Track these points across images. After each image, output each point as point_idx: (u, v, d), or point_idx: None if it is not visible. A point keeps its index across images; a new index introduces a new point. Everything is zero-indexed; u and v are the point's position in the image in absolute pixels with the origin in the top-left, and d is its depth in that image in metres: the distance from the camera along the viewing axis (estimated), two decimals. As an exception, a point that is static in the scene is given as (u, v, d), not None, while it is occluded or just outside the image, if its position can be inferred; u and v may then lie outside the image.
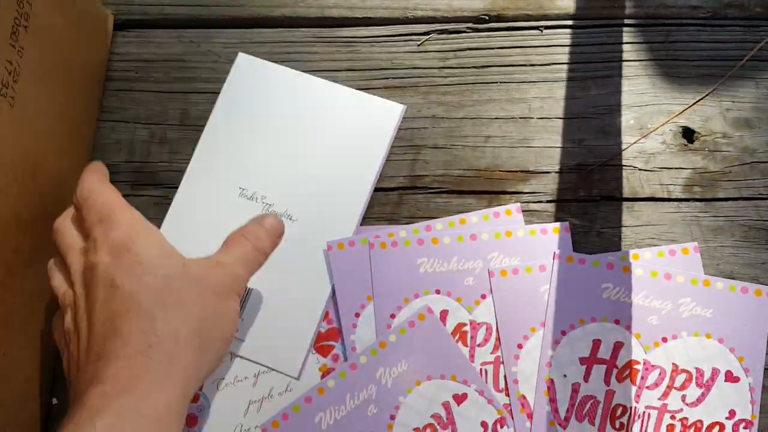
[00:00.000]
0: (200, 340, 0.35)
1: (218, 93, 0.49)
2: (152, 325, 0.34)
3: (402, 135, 0.48)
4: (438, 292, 0.45)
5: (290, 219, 0.46)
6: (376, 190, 0.47)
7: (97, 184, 0.39)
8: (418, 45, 0.50)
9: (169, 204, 0.48)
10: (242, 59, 0.50)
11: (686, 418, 0.42)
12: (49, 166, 0.43)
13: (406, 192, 0.48)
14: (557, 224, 0.46)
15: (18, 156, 0.40)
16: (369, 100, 0.48)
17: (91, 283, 0.36)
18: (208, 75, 0.50)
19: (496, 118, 0.48)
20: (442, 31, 0.50)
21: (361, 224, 0.47)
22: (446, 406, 0.44)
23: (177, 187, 0.48)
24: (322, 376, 0.45)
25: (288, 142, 0.48)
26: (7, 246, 0.40)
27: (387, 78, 0.50)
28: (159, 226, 0.47)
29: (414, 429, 0.43)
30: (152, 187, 0.49)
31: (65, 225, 0.40)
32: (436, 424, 0.44)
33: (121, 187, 0.48)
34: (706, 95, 0.46)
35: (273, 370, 0.45)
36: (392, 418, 0.44)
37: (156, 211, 0.48)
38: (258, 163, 0.48)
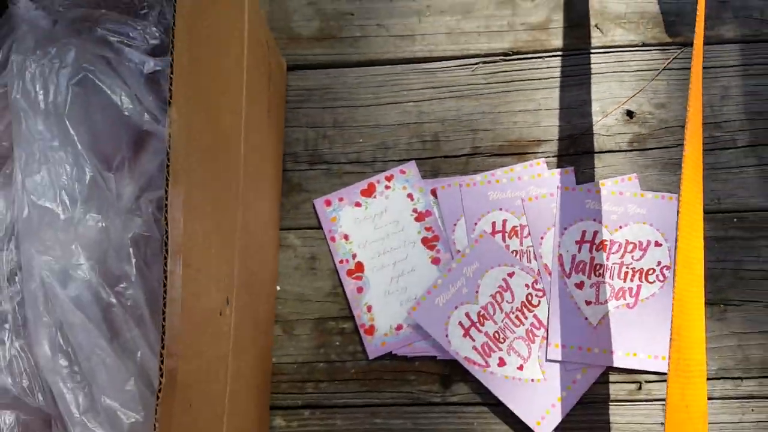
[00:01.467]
0: None
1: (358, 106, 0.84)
2: None
3: (467, 125, 0.84)
4: (500, 209, 0.81)
5: None
6: (451, 156, 0.83)
7: None
8: (472, 71, 0.85)
9: (334, 172, 0.83)
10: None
11: (634, 267, 0.77)
12: (276, 156, 0.79)
13: (470, 157, 0.83)
14: (567, 168, 0.81)
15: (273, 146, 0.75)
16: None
17: None
18: (347, 96, 0.85)
19: (519, 111, 0.83)
20: (486, 62, 0.85)
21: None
22: (504, 280, 0.79)
23: (337, 163, 0.84)
24: (432, 262, 0.81)
25: None
26: (266, 195, 0.76)
27: (453, 92, 0.85)
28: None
29: (490, 295, 0.79)
30: (321, 164, 0.84)
31: None
32: (501, 290, 0.79)
33: (303, 165, 0.83)
34: (639, 91, 0.81)
35: None
36: (477, 292, 0.79)
37: (325, 178, 0.83)
38: None
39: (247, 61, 0.60)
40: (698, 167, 0.66)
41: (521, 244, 0.78)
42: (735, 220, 0.75)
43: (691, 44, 0.79)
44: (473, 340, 0.76)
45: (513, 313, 0.76)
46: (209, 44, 0.50)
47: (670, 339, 0.57)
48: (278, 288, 0.80)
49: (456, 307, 0.77)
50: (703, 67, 0.80)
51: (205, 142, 0.47)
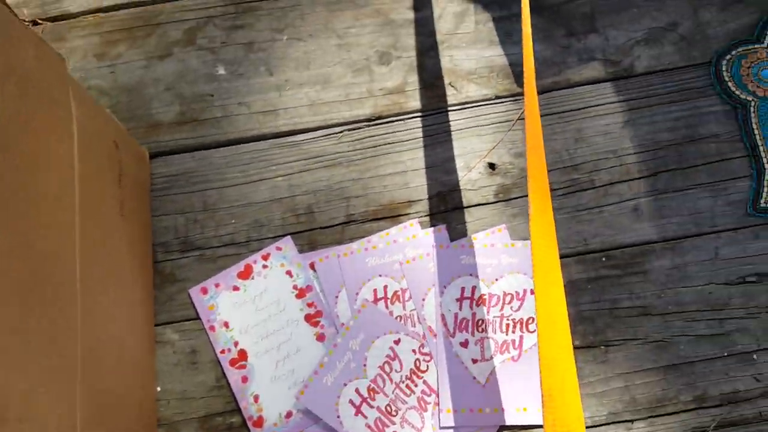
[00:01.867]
0: None
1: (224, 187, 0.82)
2: None
3: (339, 194, 0.83)
4: (380, 275, 0.79)
5: None
6: (326, 227, 0.82)
7: None
8: (338, 139, 0.85)
9: (207, 258, 0.81)
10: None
11: (514, 318, 0.77)
12: (142, 248, 0.76)
13: (345, 225, 0.82)
14: (440, 226, 0.81)
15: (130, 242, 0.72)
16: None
17: None
18: (215, 177, 0.83)
19: (388, 174, 0.83)
20: (350, 129, 0.85)
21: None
22: (391, 348, 0.77)
23: (210, 247, 0.81)
24: (317, 338, 0.79)
25: None
26: (128, 296, 0.72)
27: (322, 162, 0.84)
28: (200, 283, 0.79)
29: (378, 366, 0.77)
30: (193, 250, 0.81)
31: None
32: (389, 360, 0.77)
33: (175, 254, 0.80)
34: (498, 143, 0.83)
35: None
36: (364, 365, 0.77)
37: (198, 263, 0.80)
38: None
39: (81, 171, 0.57)
40: (547, 224, 0.67)
41: (404, 308, 0.77)
42: (604, 259, 0.77)
43: (543, 91, 0.81)
44: (365, 417, 0.74)
45: (403, 382, 0.75)
46: (22, 170, 0.47)
47: (542, 401, 0.56)
48: (158, 389, 0.76)
49: (345, 384, 0.75)
50: (556, 112, 0.82)
51: (17, 276, 0.44)
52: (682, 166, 0.79)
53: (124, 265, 0.70)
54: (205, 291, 0.78)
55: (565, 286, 0.68)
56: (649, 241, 0.76)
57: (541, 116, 0.78)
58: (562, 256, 0.74)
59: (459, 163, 0.81)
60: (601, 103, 0.81)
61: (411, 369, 0.75)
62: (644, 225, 0.77)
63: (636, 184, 0.78)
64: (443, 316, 0.76)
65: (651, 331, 0.74)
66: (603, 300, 0.75)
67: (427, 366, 0.75)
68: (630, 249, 0.76)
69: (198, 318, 0.77)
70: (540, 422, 0.72)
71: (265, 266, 0.79)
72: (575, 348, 0.73)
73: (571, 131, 0.80)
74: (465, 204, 0.80)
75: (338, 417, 0.73)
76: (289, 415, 0.75)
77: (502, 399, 0.73)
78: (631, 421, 0.71)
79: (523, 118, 0.82)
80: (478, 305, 0.76)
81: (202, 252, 0.80)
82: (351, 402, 0.74)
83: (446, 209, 0.79)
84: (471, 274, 0.77)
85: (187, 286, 0.79)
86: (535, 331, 0.75)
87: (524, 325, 0.75)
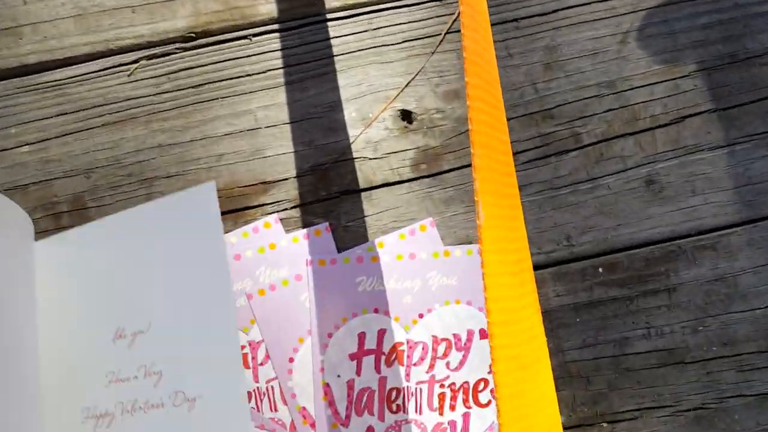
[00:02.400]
0: None
1: None
2: None
3: (132, 171, 0.46)
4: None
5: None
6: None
7: None
8: (129, 75, 0.48)
9: None
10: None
11: (454, 383, 0.44)
12: None
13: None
14: (318, 227, 0.46)
15: None
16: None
17: None
18: None
19: (224, 135, 0.47)
20: (151, 57, 0.48)
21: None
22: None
23: None
24: None
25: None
26: None
27: (103, 115, 0.47)
28: None
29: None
30: None
31: None
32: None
33: None
34: (415, 75, 0.48)
35: None
36: None
37: None
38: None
39: None
40: (510, 223, 0.36)
41: (256, 378, 0.43)
42: (600, 270, 0.45)
43: None
44: None
45: None
46: None
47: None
48: None
49: None
50: (513, 19, 0.48)
51: None
52: (723, 105, 0.46)
53: None
54: None
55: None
56: (675, 236, 0.44)
57: (492, 26, 0.44)
58: (533, 267, 0.41)
59: (349, 113, 0.46)
60: (587, 1, 0.48)
61: (272, 489, 0.41)
62: (665, 209, 0.45)
63: (649, 139, 0.45)
64: (327, 388, 0.42)
65: (684, 391, 0.42)
66: (602, 341, 0.43)
67: (302, 481, 0.41)
68: (644, 251, 0.44)
69: None
70: None
71: None
72: (563, 428, 0.40)
73: (539, 51, 0.47)
74: (362, 185, 0.45)
75: None
76: None
77: None
78: None
79: (459, 30, 0.47)
80: (389, 364, 0.43)
81: None
82: None
83: (329, 195, 0.45)
84: (377, 309, 0.43)
85: None
86: (488, 404, 0.42)
87: (471, 393, 0.42)
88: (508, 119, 0.48)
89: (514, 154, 0.47)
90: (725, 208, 0.47)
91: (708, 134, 0.48)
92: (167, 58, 0.48)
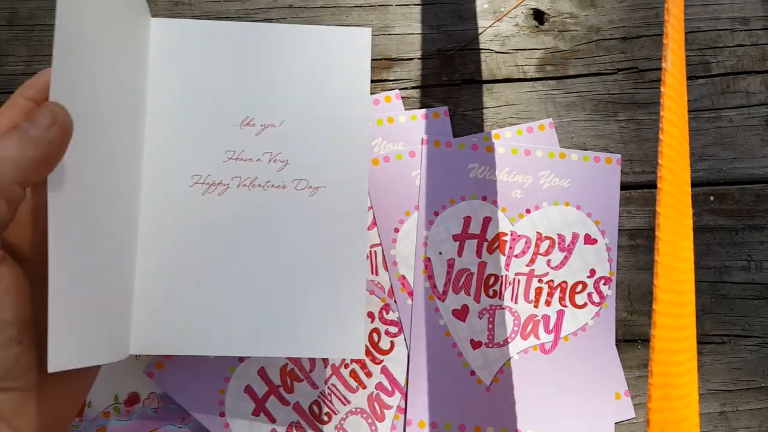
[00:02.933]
0: None
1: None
2: None
3: (263, 27, 0.47)
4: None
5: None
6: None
7: None
8: (274, -65, 0.49)
9: None
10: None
11: (552, 281, 0.45)
12: None
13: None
14: (438, 109, 0.47)
15: None
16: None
17: None
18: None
19: (355, 7, 0.48)
20: None
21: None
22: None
23: (10, 92, 0.44)
24: None
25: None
26: None
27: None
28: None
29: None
30: (-13, 93, 0.45)
31: None
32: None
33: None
34: (555, -21, 0.49)
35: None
36: None
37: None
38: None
39: None
40: (681, 107, 0.36)
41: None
42: (711, 198, 0.46)
43: None
44: (273, 421, 0.41)
45: (347, 366, 0.43)
46: None
47: (649, 407, 0.29)
48: None
49: (242, 360, 0.42)
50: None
51: None
52: None
53: None
54: None
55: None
56: (789, 174, 0.45)
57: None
58: (641, 186, 0.41)
59: (481, 3, 0.47)
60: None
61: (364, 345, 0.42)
62: (784, 147, 0.46)
63: (778, 77, 0.47)
64: (428, 262, 0.43)
65: (778, 325, 0.43)
66: (704, 266, 0.44)
67: (392, 344, 0.43)
68: (756, 187, 0.45)
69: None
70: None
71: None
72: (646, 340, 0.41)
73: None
74: (485, 75, 0.46)
75: (222, 415, 0.40)
76: (132, 400, 0.42)
77: (518, 414, 0.42)
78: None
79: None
80: (491, 251, 0.43)
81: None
82: (249, 391, 0.41)
83: (451, 81, 0.46)
84: (485, 198, 0.44)
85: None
86: (584, 305, 0.44)
87: (568, 294, 0.43)
88: (640, 36, 0.48)
89: (641, 71, 0.48)
90: (842, 156, 0.48)
91: (835, 82, 0.48)
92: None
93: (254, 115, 0.39)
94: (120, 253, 0.35)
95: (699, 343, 0.46)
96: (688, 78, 0.48)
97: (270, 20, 0.48)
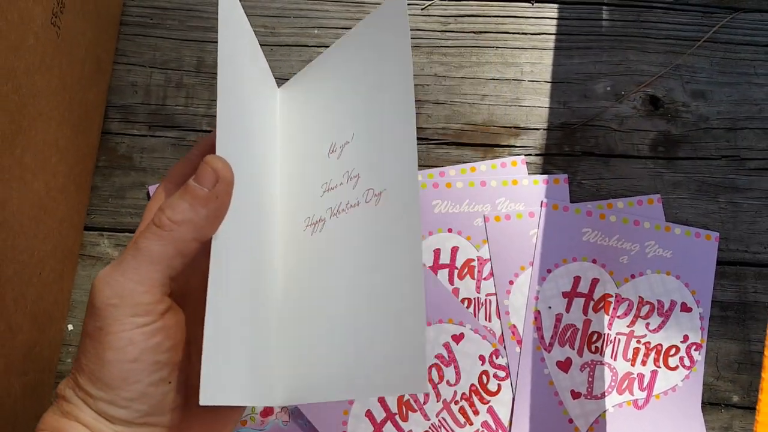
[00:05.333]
0: None
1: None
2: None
3: (408, 90, 0.55)
4: (450, 230, 0.53)
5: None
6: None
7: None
8: (422, 9, 0.57)
9: (185, 145, 0.53)
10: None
11: (649, 342, 0.51)
12: (81, 97, 0.47)
13: (410, 143, 0.54)
14: (558, 176, 0.54)
15: (60, 85, 0.43)
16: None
17: None
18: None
19: (491, 79, 0.56)
20: (444, -2, 0.57)
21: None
22: (447, 346, 0.51)
23: (194, 130, 0.53)
24: None
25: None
26: (48, 169, 0.44)
27: (392, 38, 0.56)
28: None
29: (411, 360, 0.50)
30: (169, 128, 0.53)
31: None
32: (439, 363, 0.51)
33: (139, 128, 0.52)
34: (669, 68, 0.56)
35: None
36: None
37: (173, 151, 0.53)
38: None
39: None
40: None
41: (478, 289, 0.51)
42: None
43: (746, 9, 0.54)
44: (389, 445, 0.48)
45: (457, 402, 0.49)
46: None
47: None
48: (69, 327, 0.49)
49: (365, 386, 0.48)
50: (763, 44, 0.55)
51: None
52: None
53: (48, 117, 0.42)
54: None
55: None
56: None
57: (736, 45, 0.51)
58: (734, 263, 0.48)
59: (604, 85, 0.54)
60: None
61: (473, 386, 0.49)
62: None
63: None
64: (538, 315, 0.50)
65: None
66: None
67: (499, 386, 0.49)
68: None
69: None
70: None
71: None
72: (731, 406, 0.47)
73: (784, 76, 0.54)
74: (603, 150, 0.53)
75: (346, 437, 0.47)
76: (266, 412, 0.49)
77: (612, 464, 0.48)
78: None
79: (715, 41, 0.55)
80: (596, 310, 0.50)
81: (181, 134, 0.52)
82: (369, 415, 0.48)
83: (573, 152, 0.53)
84: (595, 261, 0.51)
85: (146, 181, 0.51)
86: (676, 368, 0.50)
87: (662, 356, 0.49)
88: (744, 128, 0.55)
89: (742, 159, 0.55)
90: None
91: None
92: (458, 2, 0.57)
93: (335, 139, 0.38)
94: (267, 299, 0.35)
95: None
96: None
97: (415, 86, 0.56)
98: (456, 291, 0.53)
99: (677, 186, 0.55)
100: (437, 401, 0.50)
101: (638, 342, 0.52)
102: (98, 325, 0.29)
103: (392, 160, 0.34)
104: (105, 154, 0.54)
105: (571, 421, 0.50)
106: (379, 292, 0.32)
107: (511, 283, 0.53)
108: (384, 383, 0.31)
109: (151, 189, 0.54)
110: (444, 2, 0.57)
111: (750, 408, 0.51)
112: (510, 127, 0.55)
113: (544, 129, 0.55)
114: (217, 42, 0.35)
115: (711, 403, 0.51)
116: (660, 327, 0.52)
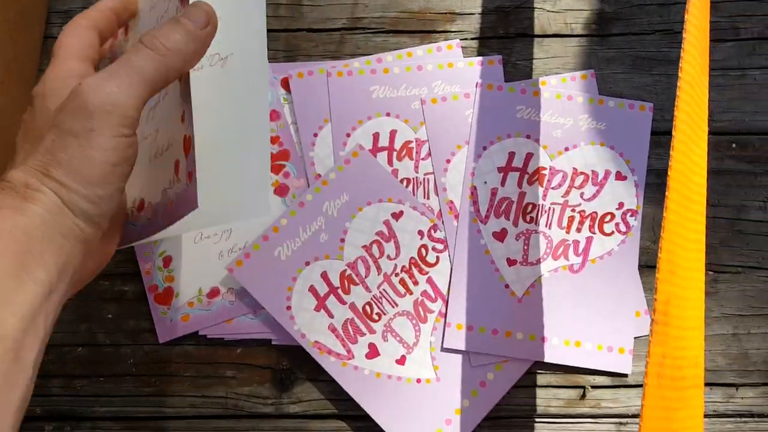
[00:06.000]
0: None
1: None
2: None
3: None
4: (388, 114, 0.55)
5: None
6: (319, 30, 0.56)
7: None
8: None
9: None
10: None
11: (584, 210, 0.53)
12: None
13: (348, 32, 0.56)
14: (492, 57, 0.56)
15: None
16: None
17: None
18: None
19: (425, -31, 0.57)
20: None
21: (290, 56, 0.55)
22: (386, 223, 0.53)
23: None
24: (275, 191, 0.54)
25: None
26: None
27: (327, -68, 0.58)
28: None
29: (362, 246, 0.53)
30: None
31: None
32: (380, 239, 0.53)
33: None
34: (603, -52, 0.57)
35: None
36: (342, 240, 0.53)
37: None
38: None
39: None
40: (704, 58, 0.44)
41: (416, 169, 0.53)
42: (734, 146, 0.53)
43: None
44: (330, 317, 0.50)
45: (397, 274, 0.51)
46: None
47: (652, 322, 0.35)
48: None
49: (308, 263, 0.51)
50: None
51: None
52: None
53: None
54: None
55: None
56: (809, 130, 0.52)
57: None
58: (669, 132, 0.49)
59: (538, -31, 0.55)
60: None
61: (412, 258, 0.51)
62: (805, 106, 0.53)
63: (804, 43, 0.54)
64: (475, 190, 0.52)
65: (789, 262, 0.50)
66: (723, 205, 0.51)
67: (438, 258, 0.51)
68: (775, 138, 0.52)
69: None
70: (597, 366, 0.49)
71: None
72: (669, 269, 0.49)
73: (716, -50, 0.55)
74: (537, 30, 0.55)
75: (289, 309, 0.50)
76: (213, 293, 0.51)
77: (545, 324, 0.50)
78: (736, 386, 0.49)
79: None
80: (531, 183, 0.52)
81: (123, 35, 0.54)
82: (313, 290, 0.50)
83: (507, 34, 0.54)
84: (529, 136, 0.53)
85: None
86: (612, 234, 0.52)
87: (597, 222, 0.51)
88: (676, 3, 0.56)
89: (676, 33, 0.56)
90: None
91: None
92: None
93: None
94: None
95: (715, 272, 0.52)
96: (719, 40, 0.56)
97: None
98: (395, 172, 0.54)
99: (611, 61, 0.56)
100: (378, 274, 0.53)
101: (573, 211, 0.54)
102: (89, 125, 0.32)
103: (238, 27, 0.37)
104: (48, 58, 0.56)
105: (507, 286, 0.52)
106: (233, 140, 0.38)
107: (448, 161, 0.55)
108: (236, 212, 0.39)
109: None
110: None
111: (684, 270, 0.53)
112: (446, 13, 0.57)
113: (479, 13, 0.57)
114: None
115: (648, 266, 0.52)
116: (595, 196, 0.54)
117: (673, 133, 0.36)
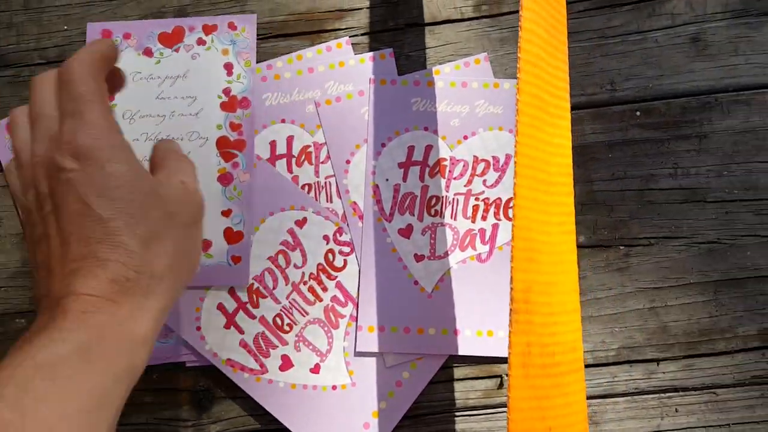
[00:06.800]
0: (172, 276, 0.35)
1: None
2: (130, 259, 0.33)
3: (227, -8, 0.57)
4: (283, 121, 0.55)
5: None
6: (207, 42, 0.56)
7: (87, 68, 0.34)
8: None
9: (22, 82, 0.56)
10: None
11: (488, 198, 0.53)
12: None
13: (237, 43, 0.56)
14: (383, 51, 0.55)
15: None
16: None
17: (58, 190, 0.33)
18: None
19: (310, -32, 0.57)
20: None
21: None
22: (291, 232, 0.53)
23: (27, 65, 0.56)
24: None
25: None
26: None
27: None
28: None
29: (268, 258, 0.53)
30: (3, 68, 0.56)
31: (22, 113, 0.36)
32: (285, 249, 0.53)
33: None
34: (487, -74, 0.56)
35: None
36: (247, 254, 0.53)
37: (11, 89, 0.55)
38: None
39: None
40: (552, 50, 0.43)
41: (317, 173, 0.53)
42: (638, 113, 0.52)
43: None
44: (242, 332, 0.51)
45: (305, 283, 0.51)
46: None
47: (510, 312, 0.35)
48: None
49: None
50: None
51: None
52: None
53: None
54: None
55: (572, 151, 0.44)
56: (713, 89, 0.51)
57: None
58: (572, 107, 0.48)
59: (423, -45, 0.55)
60: None
61: (320, 265, 0.51)
62: (707, 65, 0.52)
63: (701, 1, 0.52)
64: (376, 189, 0.51)
65: (701, 226, 0.49)
66: (630, 176, 0.51)
67: (345, 262, 0.51)
68: (681, 101, 0.52)
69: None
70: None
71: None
72: (578, 247, 0.49)
73: None
74: (427, 18, 0.54)
75: (198, 330, 0.50)
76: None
77: (457, 316, 0.50)
78: (657, 360, 0.48)
79: None
80: (432, 175, 0.52)
81: (16, 71, 0.55)
82: (221, 308, 0.51)
83: (397, 25, 0.54)
84: (426, 128, 0.52)
85: (-11, 121, 0.54)
86: (517, 218, 0.51)
87: (502, 209, 0.51)
88: (569, -27, 0.55)
89: (570, 3, 0.55)
90: (765, 69, 0.53)
91: (758, 1, 0.54)
92: None
93: None
94: None
95: (627, 245, 0.52)
96: (614, 5, 0.55)
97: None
98: (296, 179, 0.54)
99: (505, 42, 0.55)
100: (286, 284, 0.53)
101: (476, 199, 0.53)
102: None
103: None
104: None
105: (416, 282, 0.52)
106: None
107: (348, 162, 0.54)
108: None
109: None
110: None
111: (596, 246, 0.52)
112: (333, 11, 0.57)
113: (367, 8, 0.57)
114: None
115: (559, 250, 0.52)
116: (497, 182, 0.53)
117: (516, 118, 0.36)
